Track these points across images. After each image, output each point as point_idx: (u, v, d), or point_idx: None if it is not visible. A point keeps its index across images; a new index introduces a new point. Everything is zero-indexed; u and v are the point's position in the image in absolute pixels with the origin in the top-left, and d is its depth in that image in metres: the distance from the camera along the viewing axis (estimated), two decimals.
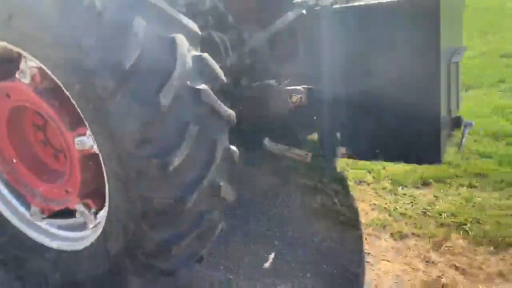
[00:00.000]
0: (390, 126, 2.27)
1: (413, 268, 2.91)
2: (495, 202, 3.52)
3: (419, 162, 2.46)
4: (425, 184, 3.79)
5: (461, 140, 2.55)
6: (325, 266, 2.91)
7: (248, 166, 3.88)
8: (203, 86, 1.86)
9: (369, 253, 3.04)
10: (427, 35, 2.07)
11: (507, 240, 3.11)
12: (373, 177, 3.85)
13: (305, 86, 2.40)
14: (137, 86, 1.71)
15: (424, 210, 3.44)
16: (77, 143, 2.04)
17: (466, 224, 3.27)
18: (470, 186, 3.73)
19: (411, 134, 2.23)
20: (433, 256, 3.01)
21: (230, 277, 2.80)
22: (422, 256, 3.00)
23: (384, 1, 2.17)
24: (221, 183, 2.00)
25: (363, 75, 2.23)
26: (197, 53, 1.93)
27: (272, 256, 2.99)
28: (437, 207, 3.47)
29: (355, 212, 3.43)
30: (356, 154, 2.45)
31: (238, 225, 3.23)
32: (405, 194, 3.64)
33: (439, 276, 2.84)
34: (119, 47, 1.69)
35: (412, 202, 3.55)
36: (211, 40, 2.97)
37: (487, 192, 3.64)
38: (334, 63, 2.27)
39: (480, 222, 3.30)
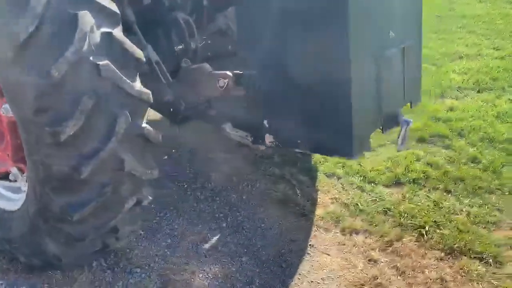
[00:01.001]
0: (309, 118, 2.24)
1: (352, 265, 2.87)
2: (464, 208, 3.37)
3: (332, 154, 2.41)
4: (398, 183, 3.67)
5: (398, 137, 2.47)
6: (263, 252, 2.94)
7: (221, 152, 3.95)
8: (104, 62, 1.94)
9: (312, 245, 3.02)
10: (336, 26, 2.03)
11: (461, 248, 2.98)
12: (345, 172, 3.78)
13: (237, 71, 2.42)
14: (33, 58, 1.83)
15: (385, 209, 3.36)
16: (2, 111, 2.20)
17: (424, 227, 3.15)
18: (445, 190, 3.58)
19: (326, 127, 2.20)
20: (377, 255, 2.94)
21: (168, 252, 2.90)
22: (366, 254, 2.95)
23: None
24: (126, 158, 2.09)
25: (285, 65, 2.22)
26: (107, 30, 2.02)
27: (216, 237, 3.05)
28: (401, 207, 3.36)
29: (313, 203, 3.41)
30: (281, 142, 2.44)
31: (191, 205, 3.32)
32: (372, 191, 3.56)
33: (375, 276, 2.78)
34: (17, 20, 1.80)
35: (376, 199, 3.46)
36: (175, 22, 3.05)
37: (459, 198, 3.48)
38: (261, 51, 2.27)
39: (440, 227, 3.18)
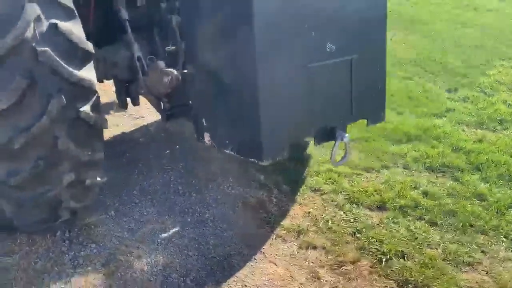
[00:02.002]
0: (231, 120, 2.28)
1: (293, 278, 2.83)
2: (442, 243, 3.12)
3: (247, 157, 2.40)
4: (382, 208, 3.50)
5: (331, 152, 2.39)
6: (213, 251, 3.00)
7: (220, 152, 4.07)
8: (42, 49, 2.19)
9: (263, 253, 3.02)
10: (243, 35, 2.07)
11: (417, 283, 2.78)
12: (333, 189, 3.69)
13: (185, 70, 2.54)
14: None
15: (355, 231, 3.23)
16: None
17: (386, 255, 2.99)
18: (430, 222, 3.34)
19: (243, 130, 2.23)
20: (324, 273, 2.87)
21: (126, 235, 3.09)
22: (312, 270, 2.88)
23: None
24: (60, 137, 2.33)
25: (212, 68, 2.29)
26: (54, 21, 2.27)
27: (175, 229, 3.18)
28: (372, 231, 3.21)
29: (283, 214, 3.39)
30: (215, 142, 2.50)
31: (168, 197, 3.48)
32: (350, 211, 3.43)
33: None
34: None
35: (350, 220, 3.34)
36: (169, 24, 3.27)
37: (443, 232, 3.23)
38: (199, 52, 2.36)
39: (405, 257, 2.99)
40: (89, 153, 2.49)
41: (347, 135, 2.41)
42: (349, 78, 2.36)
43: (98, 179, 2.69)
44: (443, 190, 3.70)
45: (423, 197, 3.60)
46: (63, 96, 2.28)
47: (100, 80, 3.36)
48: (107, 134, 4.43)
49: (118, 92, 3.57)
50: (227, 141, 2.42)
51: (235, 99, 2.22)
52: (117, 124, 4.62)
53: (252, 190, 3.63)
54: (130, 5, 3.14)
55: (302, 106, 2.25)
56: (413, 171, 3.99)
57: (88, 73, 2.40)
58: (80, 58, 2.37)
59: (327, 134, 2.44)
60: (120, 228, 3.16)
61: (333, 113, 2.42)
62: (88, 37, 3.17)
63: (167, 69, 2.54)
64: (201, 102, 2.48)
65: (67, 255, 2.87)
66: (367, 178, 3.88)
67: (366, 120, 2.65)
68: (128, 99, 3.66)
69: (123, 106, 3.66)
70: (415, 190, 3.69)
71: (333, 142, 2.45)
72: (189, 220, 3.29)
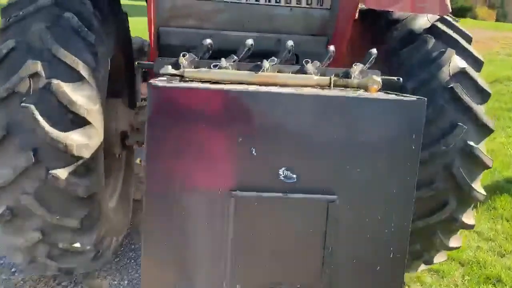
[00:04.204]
0: None
1: None
2: None
3: None
4: None
5: None
6: None
7: None
8: (26, 104, 2.19)
9: None
10: None
11: None
12: None
13: None
14: None
15: None
16: None
17: None
18: None
19: None
20: None
21: None
22: None
23: None
24: (25, 193, 2.27)
25: None
26: (49, 81, 2.24)
27: None
28: None
29: None
30: None
31: None
32: None
33: None
34: None
35: None
36: None
37: None
38: None
39: None
40: (57, 217, 2.35)
41: None
42: (322, 226, 1.53)
43: (77, 245, 2.51)
44: None
45: None
46: (32, 154, 2.22)
47: None
48: None
49: None
50: None
51: None
52: None
53: None
54: None
55: (213, 247, 1.54)
56: None
57: (73, 136, 2.28)
58: (70, 120, 2.28)
59: None
60: None
61: (271, 269, 1.59)
62: None
63: None
64: None
65: None
66: None
67: None
68: None
69: None
70: None
71: None
72: None
